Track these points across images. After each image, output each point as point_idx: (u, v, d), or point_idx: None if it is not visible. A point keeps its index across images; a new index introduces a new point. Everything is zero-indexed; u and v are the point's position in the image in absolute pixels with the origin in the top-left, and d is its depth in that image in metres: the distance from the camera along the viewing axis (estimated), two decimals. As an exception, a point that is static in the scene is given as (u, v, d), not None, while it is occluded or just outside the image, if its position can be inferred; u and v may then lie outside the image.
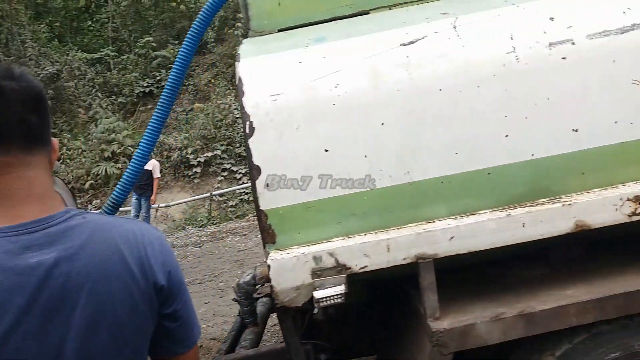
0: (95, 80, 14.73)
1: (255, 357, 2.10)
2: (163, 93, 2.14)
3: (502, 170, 1.70)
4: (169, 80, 2.13)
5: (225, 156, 12.99)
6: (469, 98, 1.68)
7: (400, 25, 1.79)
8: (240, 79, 1.74)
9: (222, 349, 2.39)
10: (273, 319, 3.08)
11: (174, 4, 15.38)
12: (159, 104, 2.12)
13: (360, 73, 1.73)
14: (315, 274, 1.69)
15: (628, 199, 1.67)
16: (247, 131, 1.70)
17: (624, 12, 1.71)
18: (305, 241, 1.74)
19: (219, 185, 12.73)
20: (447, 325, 1.70)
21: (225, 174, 12.83)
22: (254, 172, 1.70)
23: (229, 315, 5.16)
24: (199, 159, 12.86)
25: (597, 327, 1.73)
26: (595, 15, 1.73)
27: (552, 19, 1.72)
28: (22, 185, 0.98)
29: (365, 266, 1.69)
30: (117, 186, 2.17)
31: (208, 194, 12.12)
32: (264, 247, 1.77)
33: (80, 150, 13.21)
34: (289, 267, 1.68)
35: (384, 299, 2.29)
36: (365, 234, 1.72)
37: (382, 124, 1.71)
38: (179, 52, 2.07)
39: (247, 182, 11.69)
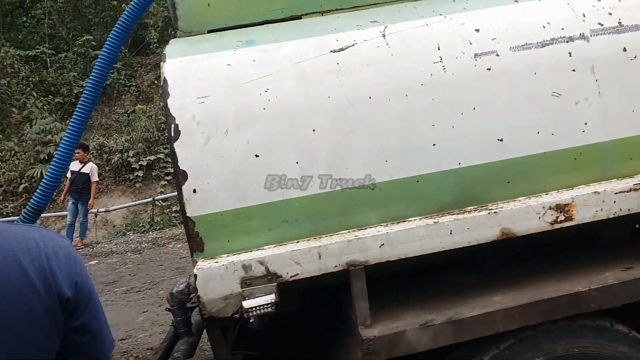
0: (31, 79, 14.00)
1: (185, 368, 2.03)
2: (84, 92, 2.07)
3: (431, 178, 1.72)
4: (90, 78, 2.06)
5: (169, 160, 12.66)
6: (398, 106, 1.69)
7: (331, 32, 1.78)
8: (165, 79, 1.67)
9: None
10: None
11: (115, 2, 14.88)
12: (79, 103, 2.05)
13: (290, 78, 1.70)
14: (245, 283, 1.65)
15: (550, 208, 1.73)
16: (172, 134, 1.63)
17: (544, 27, 1.78)
18: (235, 249, 1.69)
19: (162, 189, 12.39)
20: (377, 332, 1.69)
21: (168, 178, 12.50)
22: (179, 177, 1.64)
23: (168, 324, 5.00)
24: (141, 162, 12.50)
25: (522, 332, 1.77)
26: (518, 28, 1.79)
27: (477, 30, 1.77)
28: None
29: (297, 274, 1.67)
30: (37, 191, 2.08)
31: (150, 199, 11.78)
32: (192, 255, 1.71)
33: (13, 152, 12.54)
34: (217, 276, 1.63)
35: (319, 306, 2.27)
36: (298, 242, 1.70)
37: (314, 130, 1.69)
38: (102, 50, 2.00)
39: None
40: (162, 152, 12.58)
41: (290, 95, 1.69)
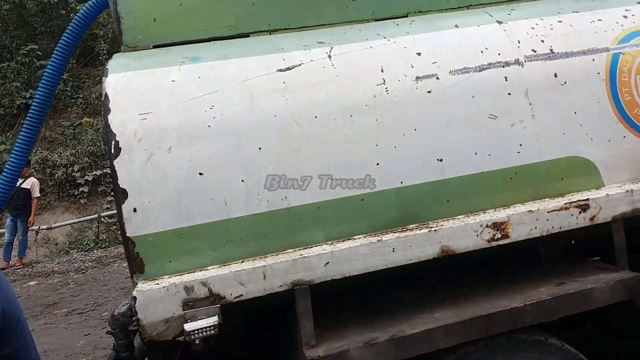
0: (-32, 89, 13.30)
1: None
2: (33, 104, 2.00)
3: (375, 197, 1.74)
4: (39, 90, 2.00)
5: (117, 175, 12.26)
6: (343, 126, 1.72)
7: (278, 51, 1.79)
8: (106, 95, 1.63)
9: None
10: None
11: (63, 11, 14.43)
12: (28, 116, 2.00)
13: (236, 96, 1.70)
14: (187, 305, 1.61)
15: (487, 226, 1.79)
16: (113, 151, 1.59)
17: (482, 52, 1.86)
18: (177, 270, 1.66)
19: (108, 206, 11.95)
20: (322, 352, 1.68)
21: (116, 194, 12.10)
22: (119, 195, 1.59)
23: (111, 348, 4.81)
24: (86, 177, 12.05)
25: (463, 348, 1.81)
26: (458, 52, 1.86)
27: (419, 54, 1.83)
28: None
29: (241, 295, 1.64)
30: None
31: (96, 216, 11.34)
32: (132, 277, 1.66)
33: (-54, 166, 11.79)
34: (158, 298, 1.58)
35: (265, 326, 2.24)
36: (242, 261, 1.68)
37: (259, 148, 1.69)
38: (50, 60, 1.94)
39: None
40: (109, 167, 12.14)
41: (236, 113, 1.68)
